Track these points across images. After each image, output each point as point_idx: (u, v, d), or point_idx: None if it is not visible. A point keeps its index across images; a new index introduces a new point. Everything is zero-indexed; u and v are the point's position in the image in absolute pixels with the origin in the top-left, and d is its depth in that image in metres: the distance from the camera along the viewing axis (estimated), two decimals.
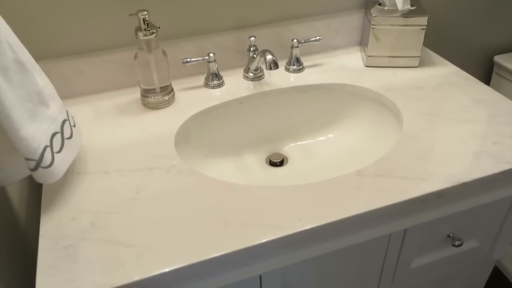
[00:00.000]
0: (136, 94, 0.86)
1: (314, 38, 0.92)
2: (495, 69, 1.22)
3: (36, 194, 0.82)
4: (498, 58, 1.20)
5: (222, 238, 0.56)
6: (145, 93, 0.82)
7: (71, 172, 0.68)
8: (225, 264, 0.56)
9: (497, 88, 1.19)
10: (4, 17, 0.54)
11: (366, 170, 0.66)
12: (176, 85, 0.88)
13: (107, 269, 0.53)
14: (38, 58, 0.62)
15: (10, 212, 0.72)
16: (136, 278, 0.52)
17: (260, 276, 0.64)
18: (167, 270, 0.53)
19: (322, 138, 0.90)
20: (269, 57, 0.76)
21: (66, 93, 0.83)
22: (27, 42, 0.60)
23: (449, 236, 0.76)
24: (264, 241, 0.56)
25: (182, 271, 0.54)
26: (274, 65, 0.76)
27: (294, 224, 0.58)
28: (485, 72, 1.26)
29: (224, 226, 0.58)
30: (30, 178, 0.78)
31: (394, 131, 0.79)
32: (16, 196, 0.75)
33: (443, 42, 1.13)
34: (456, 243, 0.74)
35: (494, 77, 1.23)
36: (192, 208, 0.61)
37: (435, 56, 0.97)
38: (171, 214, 0.60)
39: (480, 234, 0.80)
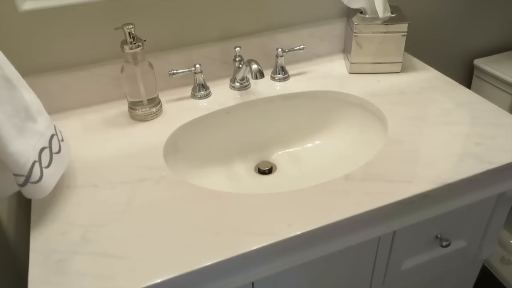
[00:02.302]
0: (123, 106, 0.86)
1: (298, 47, 0.93)
2: (475, 72, 1.25)
3: (24, 210, 0.82)
4: (478, 62, 1.22)
5: (214, 247, 0.57)
6: (133, 106, 0.82)
7: (60, 186, 0.67)
8: (217, 273, 0.57)
9: (477, 91, 1.21)
10: None
11: (354, 175, 0.67)
12: (164, 97, 0.88)
13: (99, 282, 0.53)
14: (24, 73, 0.62)
15: None
16: None
17: (253, 284, 0.64)
18: (159, 280, 0.53)
19: (310, 145, 0.91)
20: (254, 66, 0.77)
21: (54, 108, 0.83)
22: (13, 58, 0.60)
23: (437, 237, 0.77)
24: (255, 248, 0.56)
25: (174, 281, 0.54)
26: (260, 74, 0.77)
27: (284, 230, 0.58)
28: (466, 76, 1.29)
29: (216, 235, 0.58)
30: (18, 194, 0.77)
31: (379, 136, 0.80)
32: (4, 212, 0.75)
33: (424, 48, 1.15)
34: (444, 243, 0.75)
35: (474, 80, 1.26)
36: (183, 218, 0.61)
37: (417, 62, 0.99)
38: (162, 225, 0.60)
39: (467, 234, 0.81)
